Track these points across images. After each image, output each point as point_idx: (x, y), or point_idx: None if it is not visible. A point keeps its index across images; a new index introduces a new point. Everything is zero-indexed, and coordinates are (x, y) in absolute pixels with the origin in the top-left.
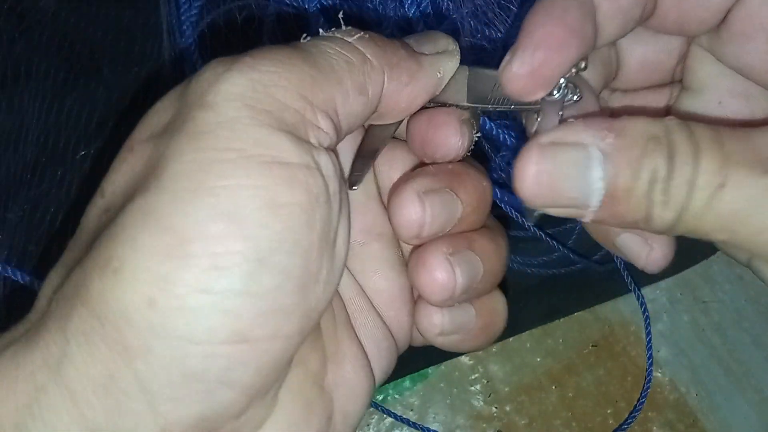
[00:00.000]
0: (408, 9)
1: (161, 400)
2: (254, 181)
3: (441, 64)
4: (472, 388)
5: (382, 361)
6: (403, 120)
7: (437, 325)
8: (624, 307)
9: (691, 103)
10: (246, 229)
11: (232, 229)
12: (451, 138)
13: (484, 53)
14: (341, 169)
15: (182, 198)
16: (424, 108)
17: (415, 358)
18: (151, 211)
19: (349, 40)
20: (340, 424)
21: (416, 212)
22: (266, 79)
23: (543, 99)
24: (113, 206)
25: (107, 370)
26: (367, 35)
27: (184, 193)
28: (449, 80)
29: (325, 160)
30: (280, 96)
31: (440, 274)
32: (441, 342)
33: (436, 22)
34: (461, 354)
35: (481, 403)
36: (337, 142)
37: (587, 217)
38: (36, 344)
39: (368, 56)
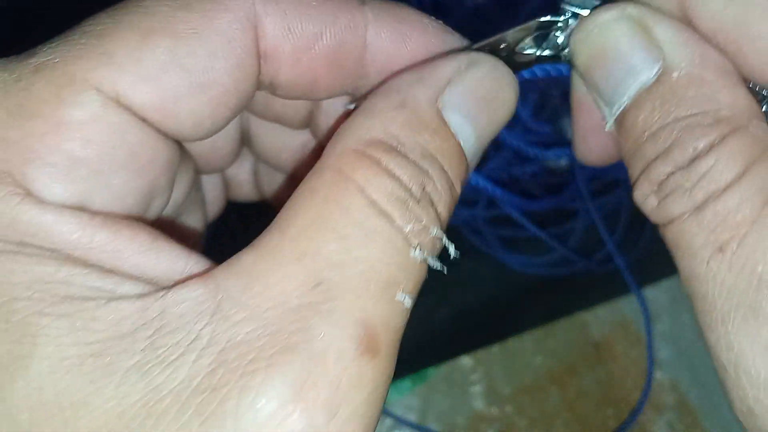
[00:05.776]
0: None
1: None
2: None
3: None
4: (473, 388)
5: None
6: None
7: None
8: (625, 307)
9: None
10: None
11: None
12: None
13: None
14: None
15: None
16: None
17: (416, 359)
18: None
19: None
20: None
21: None
22: None
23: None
24: None
25: None
26: None
27: None
28: None
29: None
30: None
31: None
32: None
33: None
34: (461, 354)
35: (482, 403)
36: None
37: (607, 122)
38: None
39: None
